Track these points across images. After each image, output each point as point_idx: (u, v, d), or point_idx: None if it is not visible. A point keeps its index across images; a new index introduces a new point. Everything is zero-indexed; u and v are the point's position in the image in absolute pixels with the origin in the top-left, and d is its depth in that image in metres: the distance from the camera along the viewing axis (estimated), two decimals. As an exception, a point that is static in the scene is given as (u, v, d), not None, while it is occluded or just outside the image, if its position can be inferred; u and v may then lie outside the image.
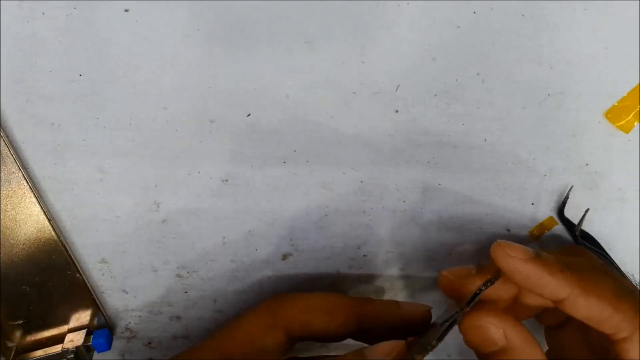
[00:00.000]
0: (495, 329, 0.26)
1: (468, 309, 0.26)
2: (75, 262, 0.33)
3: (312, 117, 0.30)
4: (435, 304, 0.32)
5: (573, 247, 0.32)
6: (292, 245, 0.34)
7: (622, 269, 0.34)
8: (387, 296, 0.37)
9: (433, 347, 0.25)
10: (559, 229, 0.34)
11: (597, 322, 0.26)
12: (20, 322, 0.34)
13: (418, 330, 0.30)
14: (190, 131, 0.30)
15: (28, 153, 0.30)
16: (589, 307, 0.25)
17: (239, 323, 0.30)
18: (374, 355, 0.26)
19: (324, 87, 0.29)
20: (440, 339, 0.26)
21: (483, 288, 0.26)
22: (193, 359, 0.29)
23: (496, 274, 0.27)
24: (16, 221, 0.31)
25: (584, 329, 0.29)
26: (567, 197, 0.33)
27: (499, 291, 0.28)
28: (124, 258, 0.34)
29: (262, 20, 0.28)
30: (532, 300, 0.28)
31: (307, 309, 0.30)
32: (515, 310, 0.30)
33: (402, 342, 0.26)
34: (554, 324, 0.31)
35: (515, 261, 0.26)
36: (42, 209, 0.31)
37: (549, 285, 0.26)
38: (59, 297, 0.34)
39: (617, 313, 0.25)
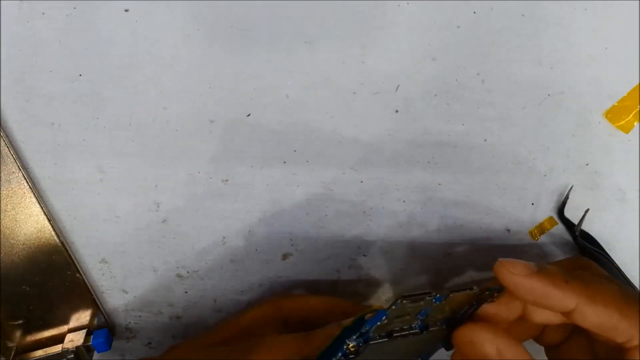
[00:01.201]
0: (489, 345, 0.25)
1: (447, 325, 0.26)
2: (75, 262, 0.33)
3: (312, 117, 0.30)
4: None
5: (575, 258, 0.32)
6: (292, 245, 0.34)
7: (622, 269, 0.34)
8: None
9: None
10: (559, 229, 0.34)
11: (608, 331, 0.26)
12: (20, 322, 0.34)
13: None
14: (190, 131, 0.30)
15: (28, 153, 0.30)
16: (597, 316, 0.25)
17: (242, 314, 0.31)
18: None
19: (324, 87, 0.29)
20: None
21: (475, 304, 0.26)
22: (197, 344, 0.30)
23: (492, 292, 0.26)
24: (16, 221, 0.31)
25: (588, 342, 0.29)
26: (567, 197, 0.33)
27: (504, 312, 0.27)
28: (124, 258, 0.34)
29: (262, 20, 0.28)
30: (539, 317, 0.28)
31: (307, 306, 0.31)
32: (519, 329, 0.29)
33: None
34: (553, 343, 0.31)
35: (519, 278, 0.25)
36: (42, 209, 0.31)
37: (555, 298, 0.25)
38: (59, 297, 0.34)
39: (625, 320, 0.25)
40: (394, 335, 0.25)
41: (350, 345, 0.24)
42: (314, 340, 0.27)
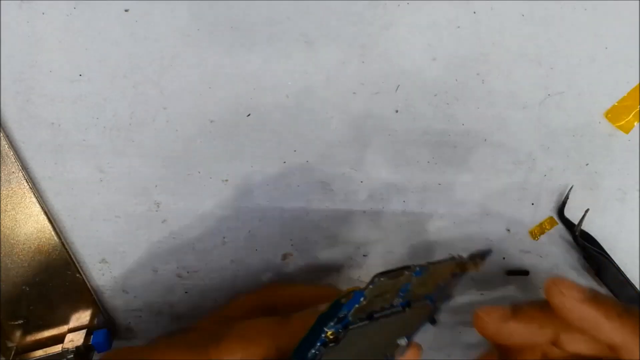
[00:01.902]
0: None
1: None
2: (75, 262, 0.33)
3: (312, 117, 0.30)
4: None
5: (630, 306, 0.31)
6: (292, 245, 0.34)
7: (622, 269, 0.34)
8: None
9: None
10: (559, 229, 0.34)
11: None
12: (20, 322, 0.34)
13: None
14: (190, 131, 0.30)
15: (28, 153, 0.30)
16: None
17: (227, 304, 0.31)
18: None
19: (324, 87, 0.29)
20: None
21: (459, 274, 0.25)
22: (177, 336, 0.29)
23: (475, 258, 0.25)
24: (16, 221, 0.31)
25: None
26: (567, 197, 0.33)
27: (535, 334, 0.27)
28: (124, 258, 0.34)
29: (262, 20, 0.28)
30: (572, 346, 0.27)
31: (296, 294, 0.31)
32: (548, 356, 0.28)
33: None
34: None
35: (570, 300, 0.25)
36: (42, 209, 0.31)
37: (604, 329, 0.25)
38: (59, 297, 0.34)
39: None
40: (375, 316, 0.23)
41: (329, 333, 0.22)
42: (290, 325, 0.26)
